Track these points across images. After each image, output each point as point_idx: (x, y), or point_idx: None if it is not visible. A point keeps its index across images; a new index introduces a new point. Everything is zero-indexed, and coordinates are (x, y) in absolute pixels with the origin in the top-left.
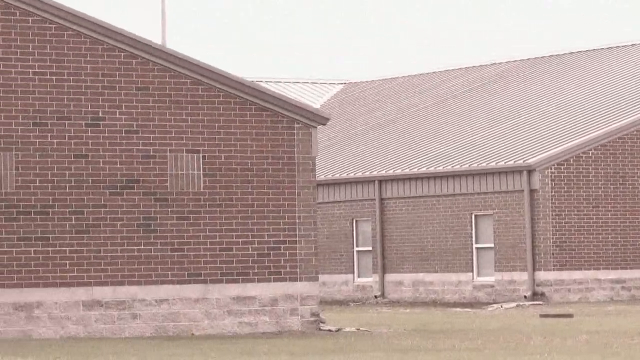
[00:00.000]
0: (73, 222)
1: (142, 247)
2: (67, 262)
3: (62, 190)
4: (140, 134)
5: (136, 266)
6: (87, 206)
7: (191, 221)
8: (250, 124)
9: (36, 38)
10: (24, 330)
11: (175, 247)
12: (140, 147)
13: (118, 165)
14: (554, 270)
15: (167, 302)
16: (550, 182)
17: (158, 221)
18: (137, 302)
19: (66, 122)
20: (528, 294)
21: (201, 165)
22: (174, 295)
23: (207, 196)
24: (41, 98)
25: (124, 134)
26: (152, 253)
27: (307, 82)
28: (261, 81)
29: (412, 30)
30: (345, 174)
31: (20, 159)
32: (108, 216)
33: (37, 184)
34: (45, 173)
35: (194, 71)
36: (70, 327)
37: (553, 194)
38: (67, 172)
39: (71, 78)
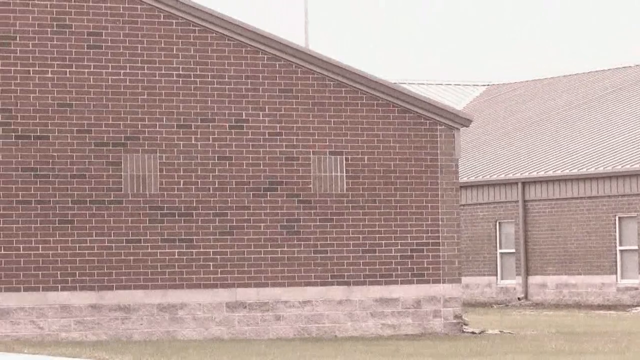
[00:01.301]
0: (217, 223)
1: (286, 249)
2: (211, 263)
3: (206, 192)
4: (283, 136)
5: (279, 268)
6: (231, 208)
7: (334, 223)
8: (393, 126)
9: (180, 40)
10: (169, 331)
11: (319, 249)
12: (284, 149)
13: (261, 167)
14: None
15: (311, 303)
16: None
17: (301, 223)
18: (281, 303)
19: (210, 124)
20: None
21: (344, 167)
22: (317, 297)
23: (350, 198)
24: (185, 100)
25: (267, 136)
26: (296, 255)
27: (450, 84)
28: (404, 83)
29: (555, 32)
30: (489, 176)
31: (164, 161)
32: (251, 218)
33: (181, 185)
34: (189, 175)
35: (337, 73)
36: (214, 328)
37: None
38: (210, 174)
39: (215, 80)
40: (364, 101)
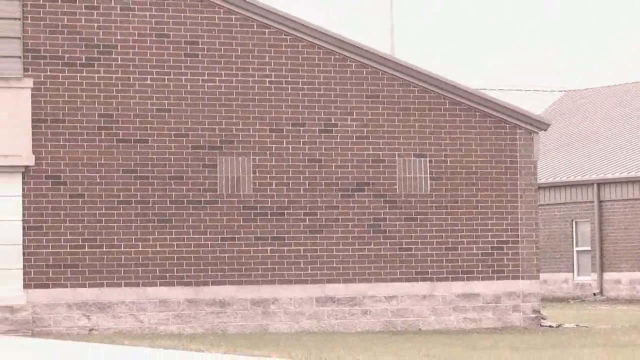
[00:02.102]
0: (307, 222)
1: (372, 246)
2: (302, 260)
3: (297, 193)
4: (370, 140)
5: (366, 265)
6: (320, 208)
7: (418, 222)
8: (474, 129)
9: (272, 49)
10: (261, 325)
11: (404, 246)
12: (370, 152)
13: (349, 169)
14: None
15: (396, 298)
16: None
17: (387, 222)
18: (367, 298)
19: (301, 128)
20: None
21: (428, 169)
22: (402, 292)
23: (433, 198)
24: (277, 106)
25: (354, 140)
26: (382, 252)
27: (529, 90)
28: (484, 89)
29: (630, 39)
30: (565, 177)
31: (257, 163)
32: (340, 217)
33: (273, 186)
34: (281, 176)
35: (421, 80)
36: (304, 322)
37: None
38: (301, 176)
39: (305, 87)
40: (447, 106)
